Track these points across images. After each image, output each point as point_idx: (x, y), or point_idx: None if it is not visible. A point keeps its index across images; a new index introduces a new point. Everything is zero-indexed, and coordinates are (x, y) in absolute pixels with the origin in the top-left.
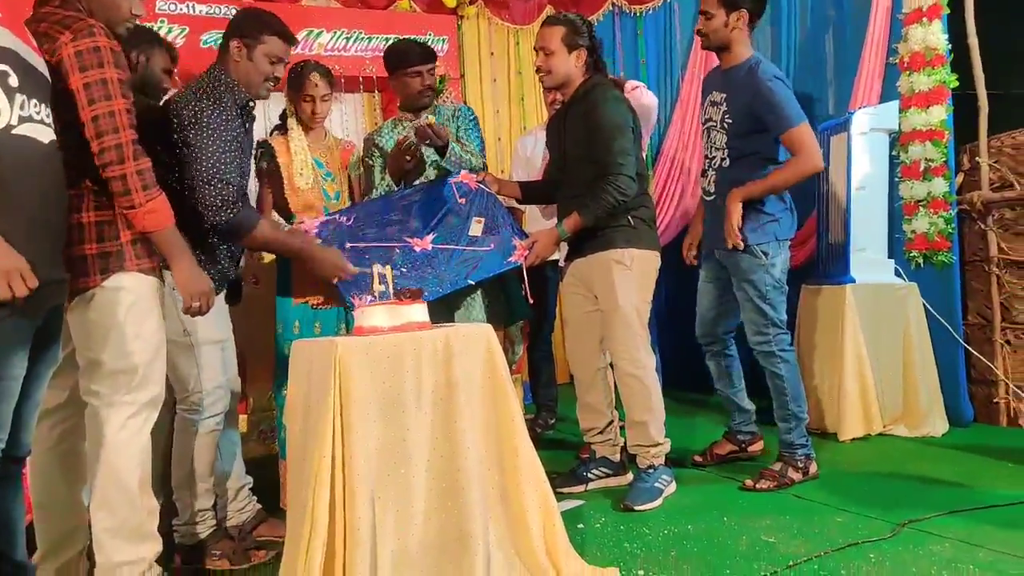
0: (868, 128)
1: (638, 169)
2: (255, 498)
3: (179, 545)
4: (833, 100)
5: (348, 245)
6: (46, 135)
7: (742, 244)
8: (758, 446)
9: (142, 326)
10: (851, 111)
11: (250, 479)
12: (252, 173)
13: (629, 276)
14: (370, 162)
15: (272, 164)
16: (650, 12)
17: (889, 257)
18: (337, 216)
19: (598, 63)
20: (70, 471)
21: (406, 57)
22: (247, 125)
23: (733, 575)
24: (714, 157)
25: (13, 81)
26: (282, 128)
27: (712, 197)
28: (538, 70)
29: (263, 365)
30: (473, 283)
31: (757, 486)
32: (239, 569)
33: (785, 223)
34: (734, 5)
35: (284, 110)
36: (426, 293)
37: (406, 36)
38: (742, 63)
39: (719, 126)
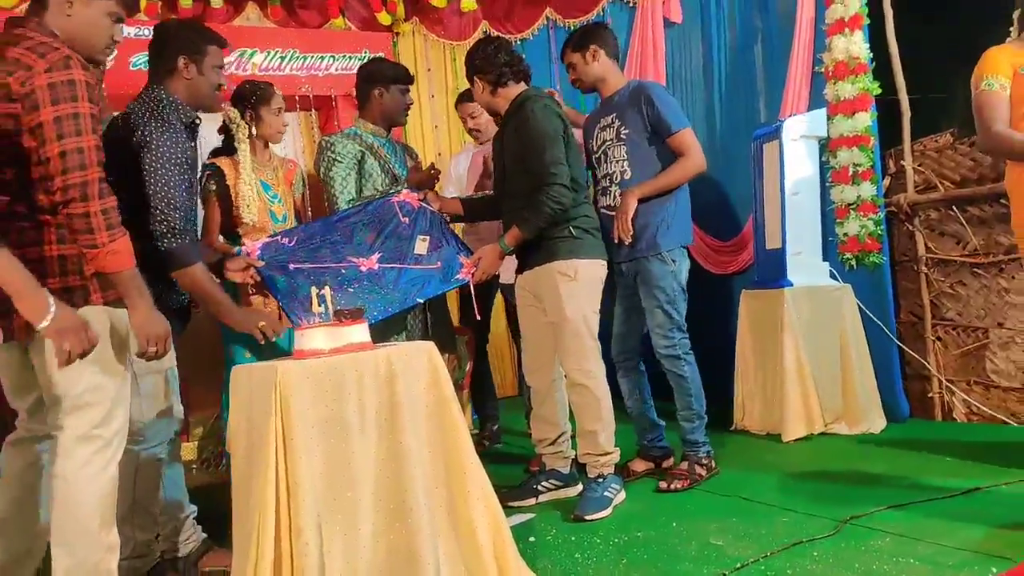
0: (799, 135)
1: (575, 177)
2: (199, 527)
3: None
4: (764, 108)
5: (291, 266)
6: None
7: (629, 238)
8: (670, 462)
9: (107, 359)
10: (782, 119)
11: (194, 508)
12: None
13: (575, 287)
14: (345, 163)
15: (221, 187)
16: (584, 24)
17: (824, 259)
18: (279, 237)
19: (517, 75)
20: (31, 497)
21: (403, 74)
22: (193, 143)
23: None
24: (614, 173)
25: None
26: (223, 150)
27: (615, 212)
28: (472, 131)
29: (207, 390)
30: (421, 301)
31: (672, 487)
32: None
33: (688, 231)
34: (583, 46)
35: (225, 130)
36: (376, 313)
37: (344, 54)
38: (623, 87)
39: (615, 141)
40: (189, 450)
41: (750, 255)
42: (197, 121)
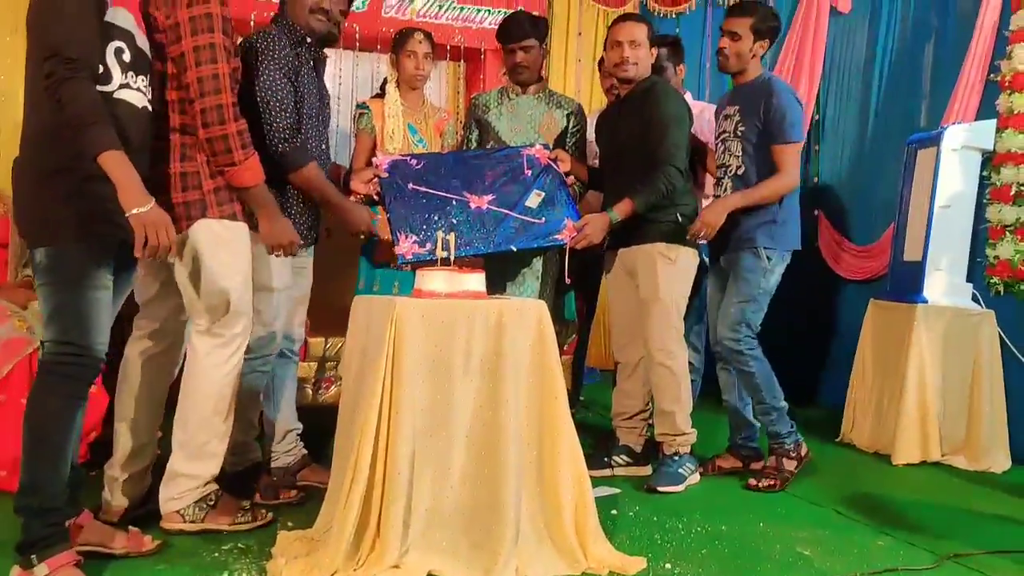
0: (960, 145)
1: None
2: (302, 443)
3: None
4: (926, 113)
5: (411, 186)
6: (140, 101)
7: (706, 234)
8: (760, 464)
9: (229, 265)
10: (944, 126)
11: (300, 425)
12: (350, 130)
13: (673, 270)
14: (468, 134)
15: (368, 125)
16: (684, 14)
17: (967, 280)
18: (408, 158)
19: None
20: (153, 394)
21: (503, 33)
22: (310, 62)
23: None
24: (729, 165)
25: (126, 57)
26: (383, 93)
27: None
28: (623, 60)
29: (330, 316)
30: (515, 249)
31: (760, 485)
32: (270, 504)
33: (791, 237)
34: (761, 35)
35: (386, 77)
36: (467, 248)
37: (500, 9)
38: (754, 79)
39: (733, 135)
40: (306, 370)
41: (884, 264)
42: (309, 40)
